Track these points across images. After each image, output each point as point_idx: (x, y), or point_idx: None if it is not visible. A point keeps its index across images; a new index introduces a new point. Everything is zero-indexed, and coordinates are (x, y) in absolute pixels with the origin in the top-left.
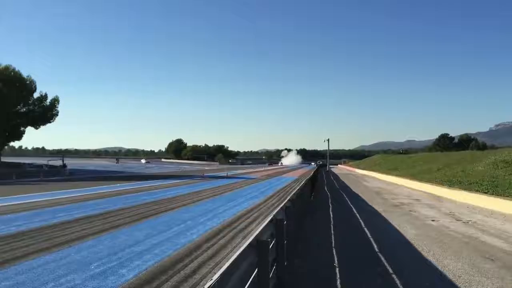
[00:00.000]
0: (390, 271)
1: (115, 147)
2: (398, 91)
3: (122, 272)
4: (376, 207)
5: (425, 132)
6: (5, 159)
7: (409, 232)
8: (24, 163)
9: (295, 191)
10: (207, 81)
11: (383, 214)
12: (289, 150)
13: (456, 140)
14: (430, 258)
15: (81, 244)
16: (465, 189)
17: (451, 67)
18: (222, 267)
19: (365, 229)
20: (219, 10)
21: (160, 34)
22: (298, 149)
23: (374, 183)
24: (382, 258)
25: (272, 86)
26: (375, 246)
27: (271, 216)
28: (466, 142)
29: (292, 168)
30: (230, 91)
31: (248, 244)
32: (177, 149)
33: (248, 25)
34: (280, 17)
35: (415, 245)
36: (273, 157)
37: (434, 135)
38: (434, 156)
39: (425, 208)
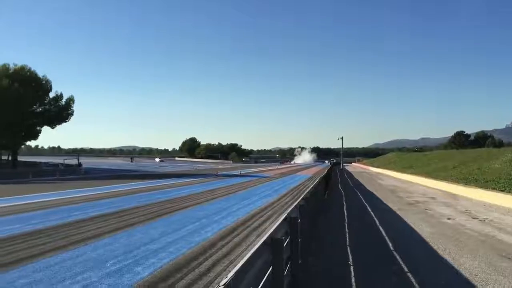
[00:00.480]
0: (406, 269)
1: (129, 146)
2: (412, 88)
3: (138, 270)
4: (390, 205)
5: (440, 129)
6: (22, 158)
7: (424, 231)
8: (40, 162)
9: (309, 189)
10: (220, 79)
11: (398, 212)
12: (302, 148)
13: (472, 138)
14: (446, 256)
15: (97, 242)
16: (481, 187)
17: (466, 64)
18: (237, 265)
19: (380, 227)
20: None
21: (167, 30)
22: (312, 147)
23: (389, 181)
24: (397, 257)
25: (285, 84)
26: (390, 244)
27: (285, 215)
28: (482, 140)
29: (305, 167)
30: (244, 89)
31: (263, 242)
32: (191, 147)
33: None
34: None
35: (430, 243)
36: (287, 155)
37: (450, 133)
38: (450, 154)
39: (441, 206)
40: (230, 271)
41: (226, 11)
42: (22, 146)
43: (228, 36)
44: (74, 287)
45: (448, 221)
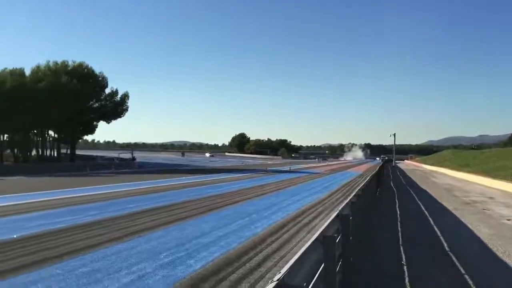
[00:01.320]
0: (462, 271)
1: (180, 141)
2: (470, 82)
3: (190, 263)
4: (445, 204)
5: (500, 126)
6: (79, 152)
7: (482, 231)
8: (96, 156)
9: (360, 186)
10: (271, 75)
11: (453, 211)
12: (353, 145)
13: None
14: (505, 259)
15: (150, 235)
16: None
17: None
18: (289, 260)
19: (434, 227)
20: None
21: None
22: (363, 143)
23: (443, 180)
24: (453, 257)
25: (337, 79)
26: (445, 244)
27: (337, 211)
28: None
29: (356, 163)
30: (295, 85)
31: (315, 239)
32: (240, 143)
33: (313, 16)
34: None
35: (488, 244)
36: (337, 151)
37: (510, 130)
38: (510, 152)
39: (500, 207)
40: (281, 267)
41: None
42: (80, 140)
43: (279, 32)
44: (130, 277)
45: (508, 222)
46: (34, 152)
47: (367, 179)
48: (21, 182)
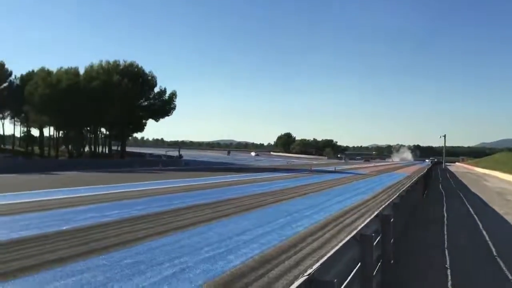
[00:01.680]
0: (510, 276)
1: (226, 140)
2: None
3: (230, 258)
4: (496, 208)
5: None
6: (129, 149)
7: None
8: (145, 153)
9: (405, 187)
10: (317, 74)
11: (504, 216)
12: (401, 146)
13: None
14: None
15: (193, 230)
16: None
17: None
18: (323, 257)
19: (483, 231)
20: None
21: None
22: (412, 145)
23: (496, 183)
24: (501, 263)
25: (385, 78)
26: (493, 249)
27: (377, 211)
28: None
29: (404, 165)
30: (343, 84)
31: (351, 237)
32: (286, 142)
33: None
34: None
35: None
36: (384, 152)
37: None
38: None
39: None
40: (316, 263)
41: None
42: (130, 137)
43: (327, 31)
44: (172, 270)
45: None
46: (87, 149)
47: (413, 180)
48: (74, 177)
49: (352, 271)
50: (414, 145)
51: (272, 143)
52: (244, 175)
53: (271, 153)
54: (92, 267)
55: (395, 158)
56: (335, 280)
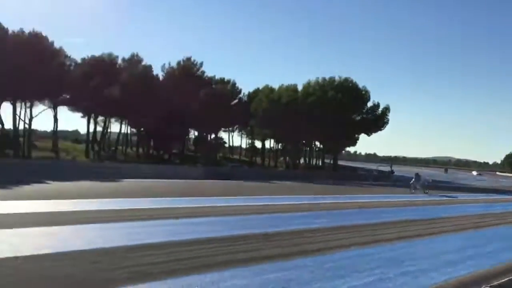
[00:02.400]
0: None
1: (444, 157)
2: None
3: (433, 275)
4: None
5: None
6: (341, 163)
7: None
8: (357, 168)
9: None
10: None
11: None
12: None
13: None
14: None
15: (392, 246)
16: None
17: None
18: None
19: None
20: None
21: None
22: None
23: None
24: None
25: None
26: None
27: None
28: None
29: None
30: None
31: None
32: None
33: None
34: None
35: None
36: None
37: None
38: None
39: None
40: None
41: None
42: (343, 151)
43: None
44: (371, 278)
45: None
46: (302, 160)
47: None
48: (289, 186)
49: None
50: None
51: (499, 162)
52: (462, 194)
53: (497, 173)
54: (300, 266)
55: None
56: None
